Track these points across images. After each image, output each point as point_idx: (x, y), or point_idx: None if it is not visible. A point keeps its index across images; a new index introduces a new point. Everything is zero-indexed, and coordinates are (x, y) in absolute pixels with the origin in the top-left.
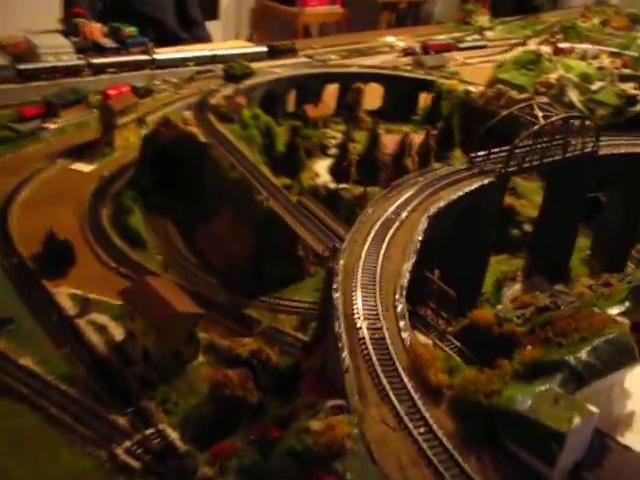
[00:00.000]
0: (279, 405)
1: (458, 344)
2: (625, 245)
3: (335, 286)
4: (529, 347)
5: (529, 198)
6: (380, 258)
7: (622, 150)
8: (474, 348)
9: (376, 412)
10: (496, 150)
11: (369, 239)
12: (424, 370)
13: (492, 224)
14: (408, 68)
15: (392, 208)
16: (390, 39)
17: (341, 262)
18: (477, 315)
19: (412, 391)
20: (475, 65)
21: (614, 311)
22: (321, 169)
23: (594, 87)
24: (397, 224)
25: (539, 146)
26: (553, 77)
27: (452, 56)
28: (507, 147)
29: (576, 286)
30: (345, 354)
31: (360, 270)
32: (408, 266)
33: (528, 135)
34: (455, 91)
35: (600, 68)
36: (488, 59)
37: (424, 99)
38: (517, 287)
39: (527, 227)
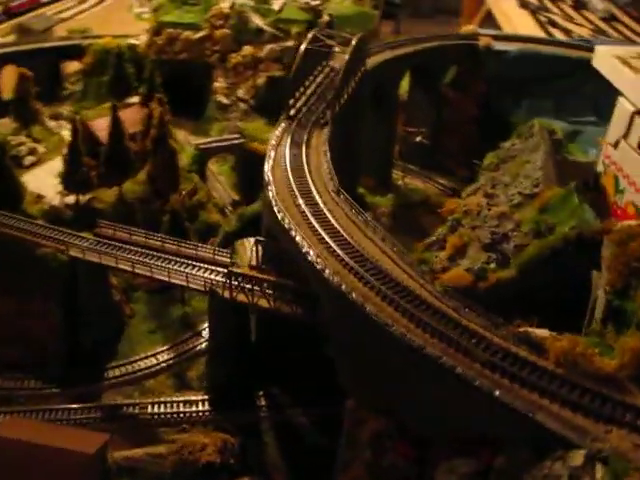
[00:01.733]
0: None
1: None
2: (387, 153)
3: None
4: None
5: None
6: None
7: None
8: None
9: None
10: (307, 96)
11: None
12: (586, 366)
13: None
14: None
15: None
16: None
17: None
18: (451, 279)
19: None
20: (75, 19)
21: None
22: (37, 187)
23: (275, 7)
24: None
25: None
26: (225, 7)
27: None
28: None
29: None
30: None
31: None
32: None
33: (348, 69)
34: (115, 48)
35: None
36: (80, 9)
37: (72, 67)
38: None
39: None
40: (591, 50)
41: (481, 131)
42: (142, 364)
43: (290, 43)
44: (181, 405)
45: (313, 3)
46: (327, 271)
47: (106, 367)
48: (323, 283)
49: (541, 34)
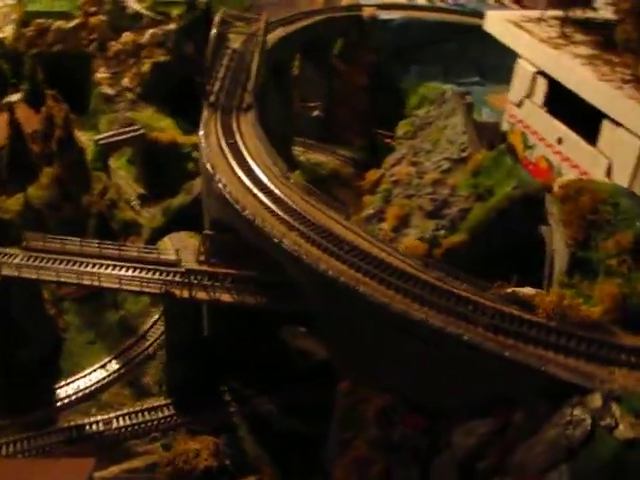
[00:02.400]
0: None
1: None
2: (288, 129)
3: None
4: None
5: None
6: None
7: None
8: None
9: None
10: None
11: None
12: (574, 316)
13: None
14: None
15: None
16: None
17: None
18: (406, 249)
19: None
20: None
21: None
22: None
23: None
24: None
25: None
26: None
27: None
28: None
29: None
30: None
31: None
32: None
33: (263, 50)
34: None
35: None
36: None
37: None
38: None
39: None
40: (468, 14)
41: (373, 100)
42: (92, 378)
43: (172, 26)
44: (146, 414)
45: None
46: (308, 259)
47: (54, 387)
48: (305, 271)
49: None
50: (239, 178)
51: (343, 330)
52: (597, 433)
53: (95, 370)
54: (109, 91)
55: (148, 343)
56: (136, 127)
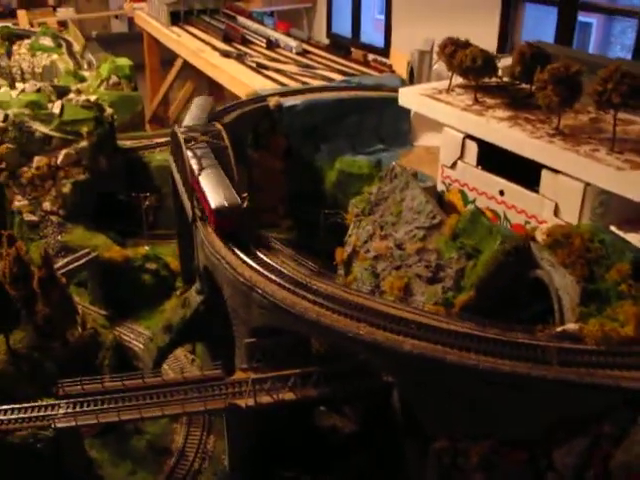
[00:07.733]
0: None
1: None
2: None
3: None
4: None
5: None
6: None
7: None
8: None
9: None
10: None
11: None
12: (615, 339)
13: None
14: None
15: None
16: None
17: None
18: None
19: None
20: None
21: None
22: None
23: (55, 110)
24: None
25: None
26: None
27: None
28: None
29: (381, 250)
30: None
31: None
32: None
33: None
34: None
35: None
36: None
37: None
38: None
39: None
40: (363, 89)
41: (292, 181)
42: None
43: (84, 144)
44: None
45: (93, 98)
46: (390, 343)
47: None
48: (389, 354)
49: (258, 78)
50: (279, 284)
51: (432, 396)
52: None
53: None
54: (32, 218)
55: (190, 459)
56: (86, 251)
